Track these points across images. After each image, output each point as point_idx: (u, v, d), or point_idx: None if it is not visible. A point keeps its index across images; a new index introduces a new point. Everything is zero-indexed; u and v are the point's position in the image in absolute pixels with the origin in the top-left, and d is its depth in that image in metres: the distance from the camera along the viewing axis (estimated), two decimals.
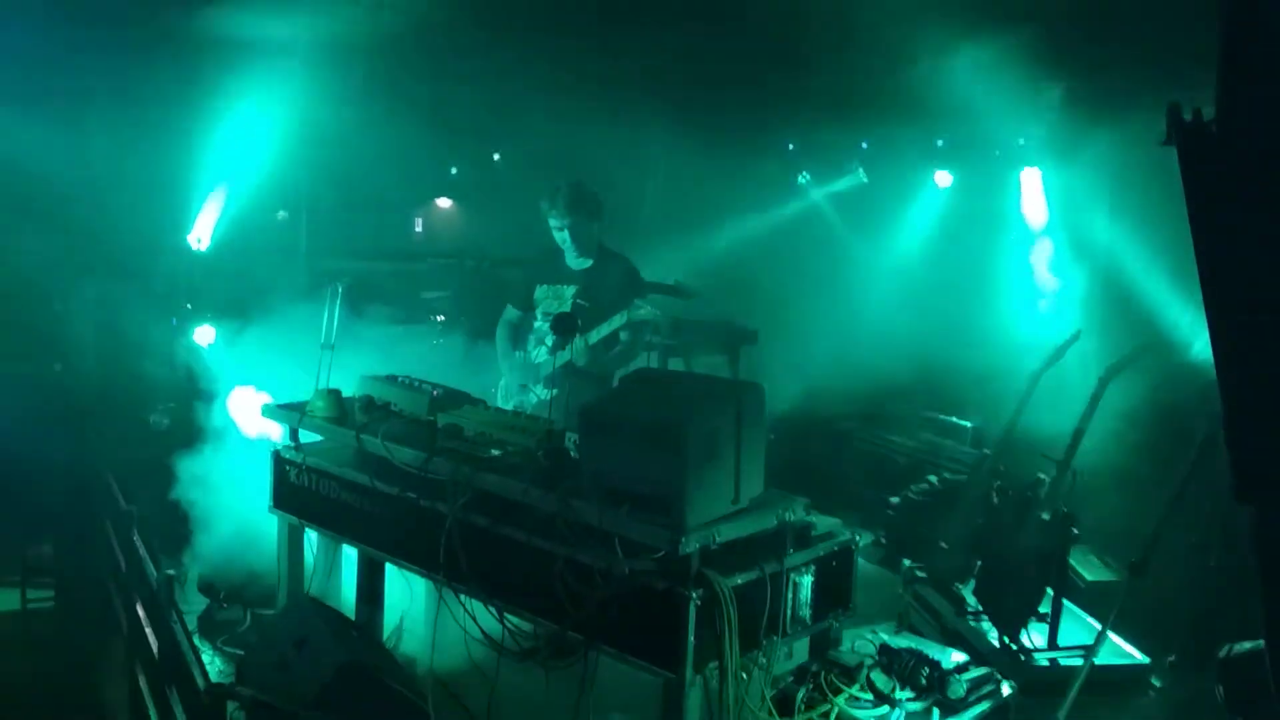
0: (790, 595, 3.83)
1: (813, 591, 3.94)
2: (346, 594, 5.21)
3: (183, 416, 6.71)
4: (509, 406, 5.73)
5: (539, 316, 5.88)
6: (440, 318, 7.94)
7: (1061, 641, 5.15)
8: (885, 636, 4.28)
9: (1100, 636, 4.58)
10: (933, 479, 6.71)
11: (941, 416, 7.72)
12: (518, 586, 4.00)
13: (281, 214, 9.26)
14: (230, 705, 4.22)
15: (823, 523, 4.11)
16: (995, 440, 6.15)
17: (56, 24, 6.53)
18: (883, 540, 6.75)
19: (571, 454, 4.07)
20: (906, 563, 5.83)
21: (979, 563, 5.60)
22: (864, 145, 9.07)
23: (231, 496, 5.57)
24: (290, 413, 5.03)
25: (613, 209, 5.95)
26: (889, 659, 4.02)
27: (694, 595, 3.46)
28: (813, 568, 3.94)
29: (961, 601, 5.56)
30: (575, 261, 5.84)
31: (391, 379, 5.00)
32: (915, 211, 8.92)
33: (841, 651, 4.12)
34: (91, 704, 5.98)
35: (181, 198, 8.01)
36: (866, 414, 8.13)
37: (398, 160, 8.86)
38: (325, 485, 4.87)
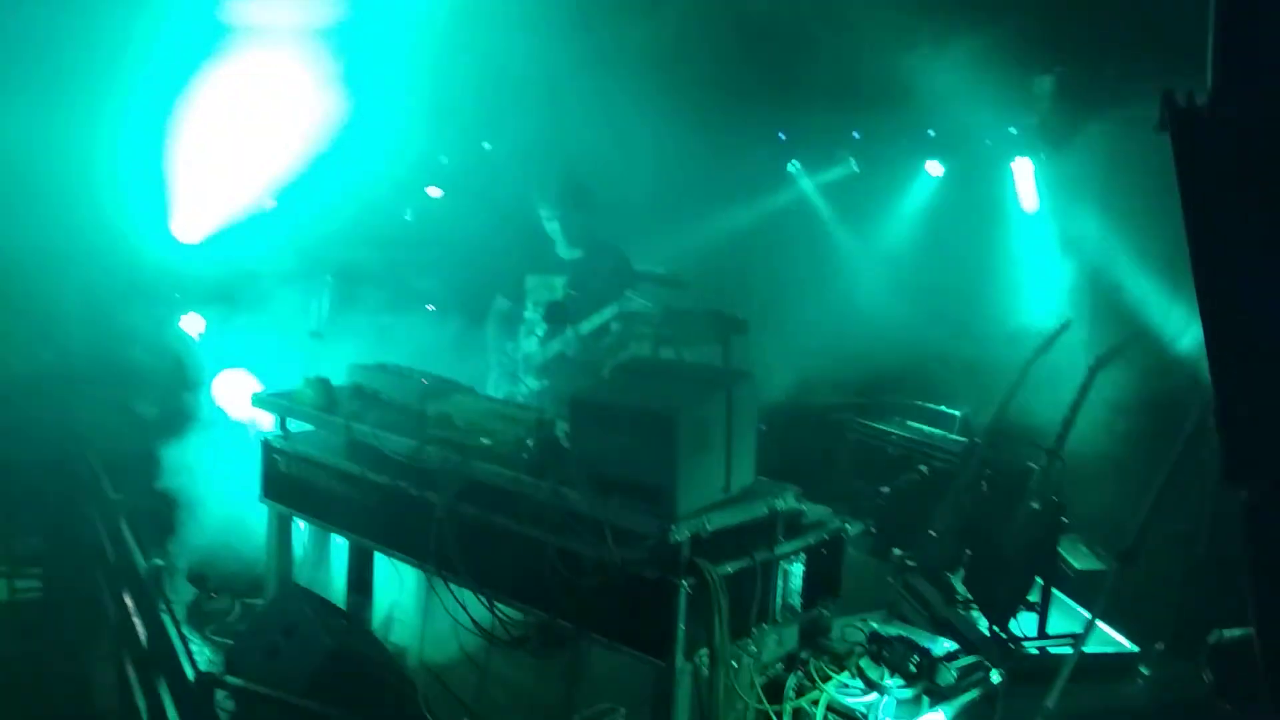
0: (781, 583, 3.84)
1: (803, 579, 3.94)
2: (336, 584, 5.20)
3: (171, 405, 6.67)
4: (499, 397, 5.72)
5: (529, 307, 5.87)
6: (431, 307, 7.91)
7: (1051, 630, 5.16)
8: (875, 625, 4.29)
9: (1089, 625, 4.60)
10: (923, 468, 6.72)
11: (931, 406, 7.73)
12: (508, 575, 3.99)
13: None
14: (219, 694, 4.20)
15: (813, 511, 4.11)
16: (985, 429, 6.16)
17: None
18: (873, 529, 6.75)
19: (562, 443, 4.06)
20: (896, 552, 5.84)
21: (968, 552, 5.61)
22: (855, 135, 9.06)
23: (221, 486, 5.55)
24: (279, 401, 5.01)
25: (603, 199, 5.93)
26: (879, 647, 4.04)
27: (684, 583, 3.46)
28: (803, 556, 3.95)
29: (951, 590, 5.58)
30: (566, 252, 5.82)
31: (381, 367, 4.98)
32: (907, 201, 8.91)
33: (832, 639, 4.13)
34: (79, 694, 5.96)
35: (162, 186, 7.94)
36: (857, 403, 8.13)
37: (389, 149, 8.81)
38: (314, 474, 4.85)
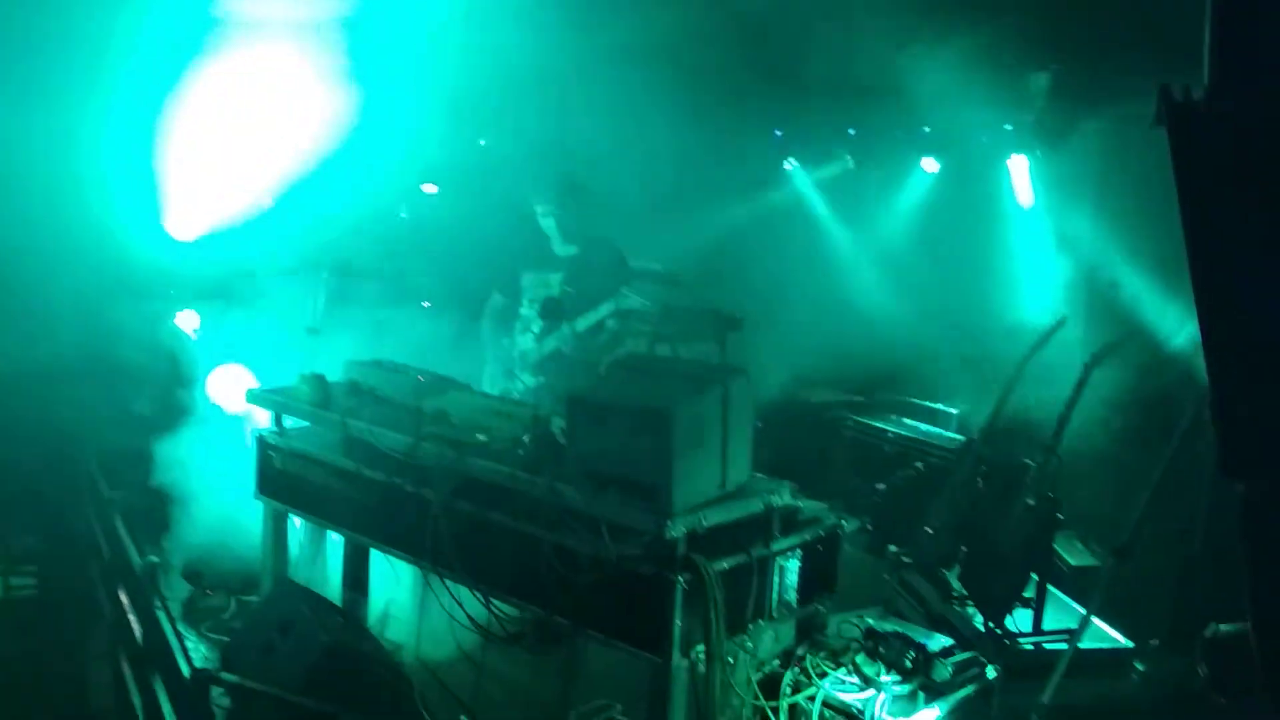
0: (777, 579, 3.84)
1: (799, 576, 3.94)
2: (332, 581, 5.19)
3: (166, 402, 6.65)
4: (495, 393, 5.71)
5: (525, 303, 5.87)
6: (426, 303, 7.90)
7: (1046, 626, 5.17)
8: (871, 621, 4.29)
9: (1084, 621, 4.60)
10: (919, 465, 6.72)
11: (928, 403, 7.73)
12: (504, 572, 3.99)
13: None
14: (215, 691, 4.20)
15: (808, 508, 4.11)
16: (981, 426, 6.16)
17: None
18: (869, 526, 6.76)
19: (558, 439, 4.06)
20: (892, 549, 5.84)
21: (964, 548, 5.61)
22: (851, 132, 9.05)
23: (216, 483, 5.54)
24: (274, 398, 5.00)
25: (599, 195, 5.93)
26: (875, 643, 4.03)
27: (680, 579, 3.46)
28: (799, 552, 3.95)
29: (947, 587, 5.58)
30: (561, 248, 5.82)
31: (377, 364, 4.97)
32: (902, 198, 8.91)
33: (828, 635, 4.13)
34: (75, 692, 5.95)
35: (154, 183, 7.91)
36: (853, 401, 8.13)
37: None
38: (310, 471, 4.84)
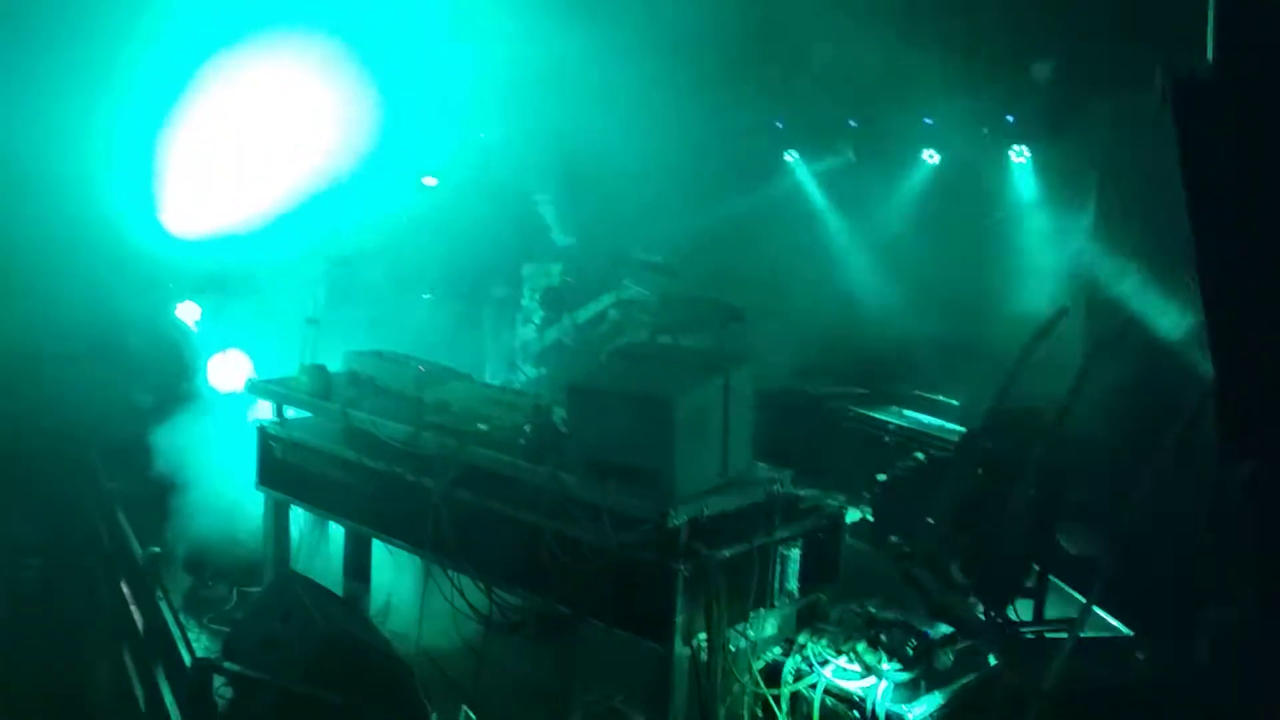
0: (778, 567, 3.84)
1: (801, 564, 3.94)
2: (334, 571, 5.19)
3: (168, 393, 6.65)
4: (497, 384, 5.72)
5: (526, 294, 5.87)
6: (428, 295, 7.91)
7: (1047, 615, 5.17)
8: (873, 610, 4.28)
9: (1085, 610, 4.60)
10: (920, 456, 6.71)
11: (929, 395, 7.73)
12: (506, 561, 3.99)
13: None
14: (217, 680, 4.20)
15: (809, 496, 4.11)
16: (982, 416, 6.15)
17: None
18: (870, 517, 6.75)
19: (560, 429, 4.06)
20: (894, 539, 5.83)
21: (965, 539, 5.61)
22: (852, 124, 9.03)
23: (218, 473, 5.54)
24: (275, 388, 5.00)
25: (600, 185, 5.93)
26: (876, 631, 4.03)
27: (682, 568, 3.46)
28: (800, 540, 3.95)
29: (948, 576, 5.57)
30: (561, 238, 5.82)
31: (378, 354, 4.97)
32: (904, 190, 8.89)
33: (829, 624, 4.13)
34: (77, 682, 5.95)
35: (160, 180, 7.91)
36: (854, 393, 8.13)
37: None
38: (311, 461, 4.84)
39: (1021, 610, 5.20)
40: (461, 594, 4.16)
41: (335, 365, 5.01)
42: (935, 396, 7.68)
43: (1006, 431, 5.88)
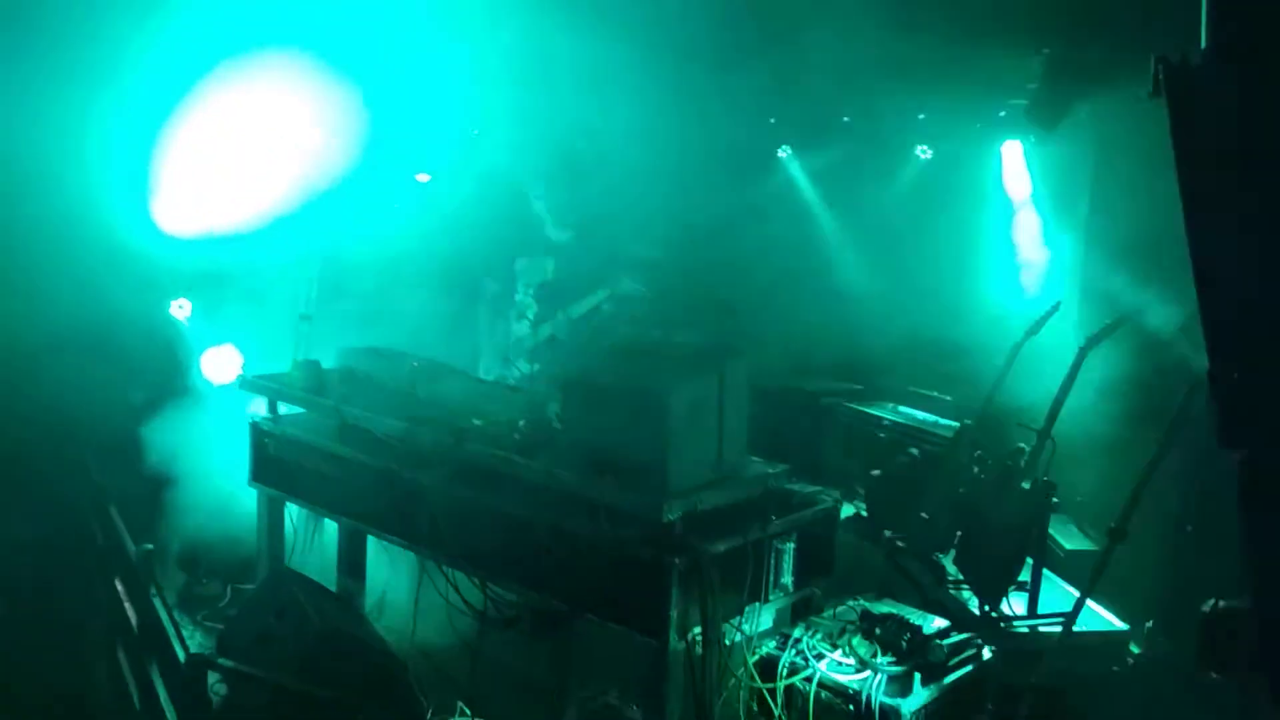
0: (773, 562, 3.84)
1: (795, 558, 3.94)
2: (329, 567, 5.19)
3: (161, 390, 6.63)
4: (490, 379, 5.71)
5: (520, 289, 5.86)
6: (421, 290, 7.89)
7: (1041, 609, 5.18)
8: (867, 604, 4.29)
9: (1079, 604, 4.61)
10: (913, 451, 6.72)
11: (923, 391, 7.74)
12: (500, 556, 3.99)
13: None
14: (211, 677, 4.19)
15: (804, 490, 4.11)
16: (976, 411, 6.17)
17: None
18: (864, 512, 6.77)
19: (554, 424, 4.06)
20: (888, 534, 5.84)
21: (959, 533, 5.63)
22: (845, 119, 9.03)
23: (211, 470, 5.53)
24: (268, 384, 4.99)
25: (594, 180, 5.92)
26: (871, 625, 4.04)
27: (677, 562, 3.46)
28: (795, 535, 3.95)
29: (942, 571, 5.59)
30: (555, 233, 5.81)
31: (372, 350, 4.96)
32: (896, 185, 8.90)
33: (824, 618, 4.14)
34: (72, 680, 5.93)
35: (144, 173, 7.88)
36: (848, 389, 8.14)
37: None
38: (305, 457, 4.84)
39: (1015, 604, 5.21)
40: (456, 589, 4.16)
41: (329, 361, 5.00)
42: (929, 392, 7.69)
43: (1000, 426, 5.91)
